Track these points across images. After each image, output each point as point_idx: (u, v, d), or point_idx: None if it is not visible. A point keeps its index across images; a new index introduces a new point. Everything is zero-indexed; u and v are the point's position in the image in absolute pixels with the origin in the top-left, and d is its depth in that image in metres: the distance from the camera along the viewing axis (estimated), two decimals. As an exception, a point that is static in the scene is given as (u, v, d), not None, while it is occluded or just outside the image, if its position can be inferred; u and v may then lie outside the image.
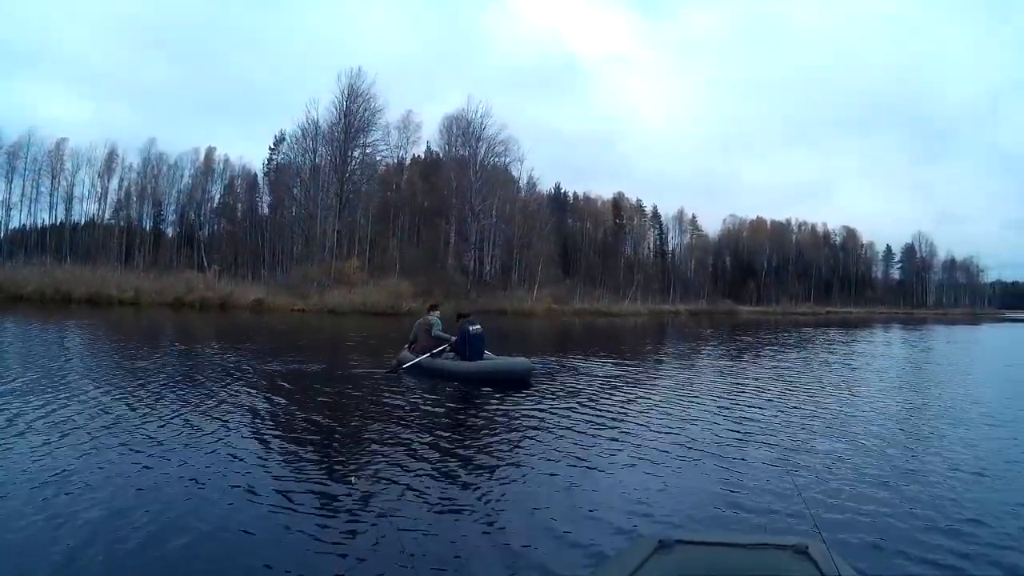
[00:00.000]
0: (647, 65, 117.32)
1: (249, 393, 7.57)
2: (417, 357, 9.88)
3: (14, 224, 47.39)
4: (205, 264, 40.46)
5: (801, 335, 25.76)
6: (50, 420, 5.72)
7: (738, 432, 6.24)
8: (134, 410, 6.31)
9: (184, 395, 7.24)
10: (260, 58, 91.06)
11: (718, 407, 7.66)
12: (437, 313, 10.70)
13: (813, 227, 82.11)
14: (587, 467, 4.86)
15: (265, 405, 6.97)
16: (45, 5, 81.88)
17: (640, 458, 5.13)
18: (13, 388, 7.25)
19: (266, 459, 4.84)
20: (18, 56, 76.42)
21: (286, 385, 8.29)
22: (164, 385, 7.88)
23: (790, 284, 74.17)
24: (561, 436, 5.87)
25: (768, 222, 76.49)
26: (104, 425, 5.63)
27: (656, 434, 6.06)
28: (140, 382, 7.99)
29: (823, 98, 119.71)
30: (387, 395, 7.89)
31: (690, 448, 5.51)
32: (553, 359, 12.73)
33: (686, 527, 3.58)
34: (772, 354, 16.51)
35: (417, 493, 4.11)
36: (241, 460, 4.72)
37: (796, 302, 69.37)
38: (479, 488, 4.29)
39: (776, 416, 7.21)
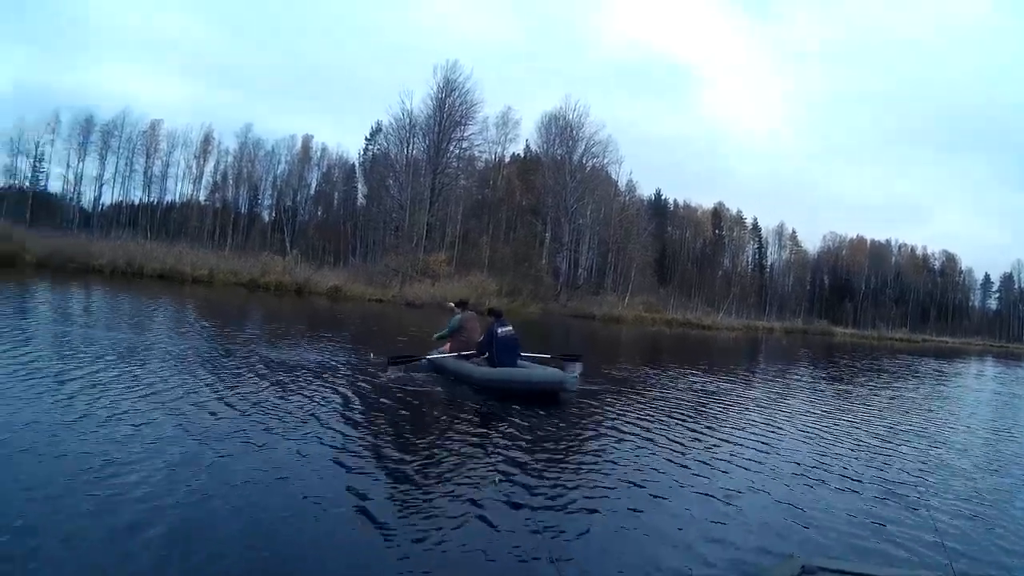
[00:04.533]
0: (750, 69, 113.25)
1: (231, 379, 7.01)
2: (437, 355, 8.88)
3: (106, 200, 48.58)
4: (288, 248, 40.24)
5: (902, 363, 24.13)
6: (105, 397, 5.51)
7: (857, 458, 6.17)
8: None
9: (159, 376, 6.75)
10: (360, 47, 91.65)
11: (830, 431, 7.48)
12: (457, 310, 9.50)
13: (912, 249, 77.19)
14: (707, 490, 4.64)
15: (240, 392, 6.37)
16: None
17: (758, 482, 4.96)
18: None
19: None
20: (115, 38, 78.94)
21: (265, 371, 7.69)
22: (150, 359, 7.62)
23: (887, 308, 69.55)
24: (672, 453, 5.66)
25: (868, 242, 72.12)
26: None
27: (768, 456, 5.89)
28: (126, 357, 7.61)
29: (926, 114, 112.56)
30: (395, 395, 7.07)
31: (808, 472, 5.41)
32: (646, 369, 12.41)
33: (823, 553, 3.52)
34: (877, 381, 15.68)
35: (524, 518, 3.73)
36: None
37: (892, 327, 64.85)
38: (600, 508, 4.05)
39: (895, 444, 7.12)
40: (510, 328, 8.48)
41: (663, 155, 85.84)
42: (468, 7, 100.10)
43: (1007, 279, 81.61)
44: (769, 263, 65.62)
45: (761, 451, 6.04)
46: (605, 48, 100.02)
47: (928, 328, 68.73)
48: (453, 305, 9.78)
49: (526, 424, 6.21)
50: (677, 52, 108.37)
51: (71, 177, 45.98)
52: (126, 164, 48.00)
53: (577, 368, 9.43)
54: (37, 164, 45.05)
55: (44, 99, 66.41)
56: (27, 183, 44.73)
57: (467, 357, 8.59)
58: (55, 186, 46.58)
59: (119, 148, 47.46)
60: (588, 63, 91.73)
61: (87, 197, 47.56)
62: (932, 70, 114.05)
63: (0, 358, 6.59)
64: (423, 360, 8.70)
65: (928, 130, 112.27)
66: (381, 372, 8.15)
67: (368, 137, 50.46)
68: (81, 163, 46.18)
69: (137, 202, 49.41)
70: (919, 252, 77.82)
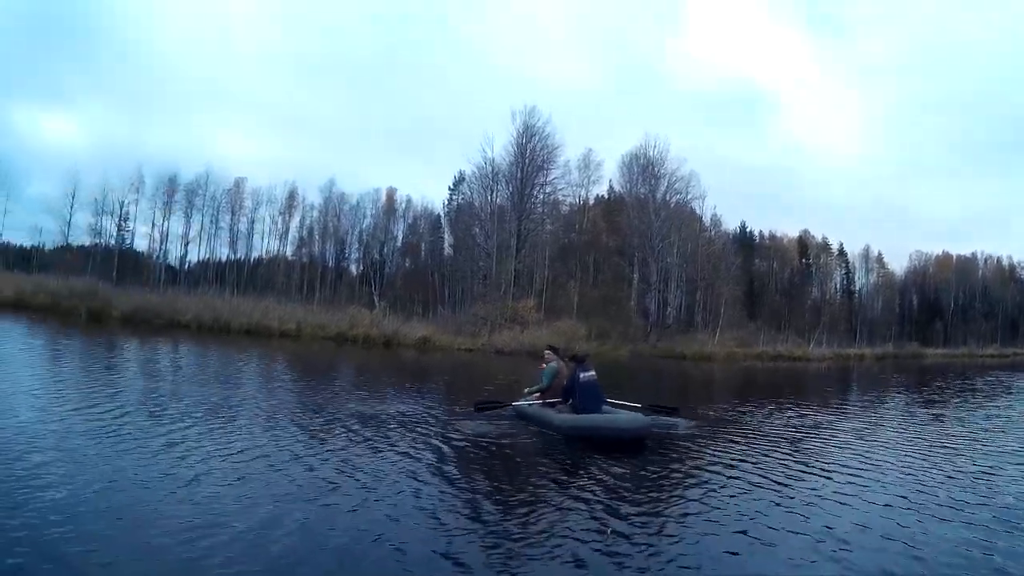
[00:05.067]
0: (824, 89, 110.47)
1: (321, 435, 7.04)
2: (523, 401, 8.81)
3: (192, 257, 50.12)
4: (376, 301, 40.71)
5: (994, 380, 23.82)
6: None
7: (962, 485, 6.00)
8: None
9: (257, 427, 7.01)
10: (439, 95, 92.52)
11: (931, 459, 7.33)
12: (550, 355, 9.27)
13: (998, 261, 73.57)
14: (814, 530, 4.53)
15: (330, 448, 6.40)
16: (223, 45, 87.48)
17: (864, 518, 4.82)
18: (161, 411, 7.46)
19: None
20: (195, 94, 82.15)
21: (355, 426, 7.68)
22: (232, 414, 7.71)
23: (977, 324, 66.54)
24: (775, 494, 5.56)
25: (953, 257, 69.24)
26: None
27: (871, 490, 5.75)
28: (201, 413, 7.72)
29: (1002, 119, 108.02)
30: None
31: (914, 504, 5.27)
32: (740, 406, 12.37)
33: None
34: (972, 402, 15.64)
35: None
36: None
37: (982, 343, 61.99)
38: (708, 556, 3.97)
39: (998, 467, 6.91)
40: (593, 373, 8.38)
41: (745, 185, 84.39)
42: (545, 52, 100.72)
43: (1097, 286, 77.44)
44: (857, 288, 63.61)
45: (864, 485, 5.97)
46: (683, 81, 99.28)
47: (1018, 342, 65.55)
48: (547, 352, 9.52)
49: (622, 471, 6.13)
50: (754, 79, 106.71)
51: (156, 235, 47.58)
52: (211, 222, 49.50)
53: (679, 423, 9.18)
54: (122, 223, 46.64)
55: (126, 158, 69.32)
56: (112, 241, 46.33)
57: (552, 404, 8.51)
58: (141, 244, 48.24)
59: (203, 207, 48.97)
60: (667, 97, 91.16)
61: (173, 255, 49.19)
62: (1006, 70, 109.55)
63: (88, 414, 6.68)
64: (509, 407, 8.71)
65: (1006, 133, 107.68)
66: (468, 419, 8.15)
67: (452, 187, 51.27)
68: (166, 221, 47.73)
69: (223, 259, 50.83)
70: (1005, 263, 74.32)
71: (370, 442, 6.65)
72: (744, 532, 4.50)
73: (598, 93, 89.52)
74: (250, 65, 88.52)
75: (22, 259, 43.63)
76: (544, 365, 9.16)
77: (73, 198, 43.89)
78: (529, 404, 8.70)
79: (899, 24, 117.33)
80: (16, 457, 4.89)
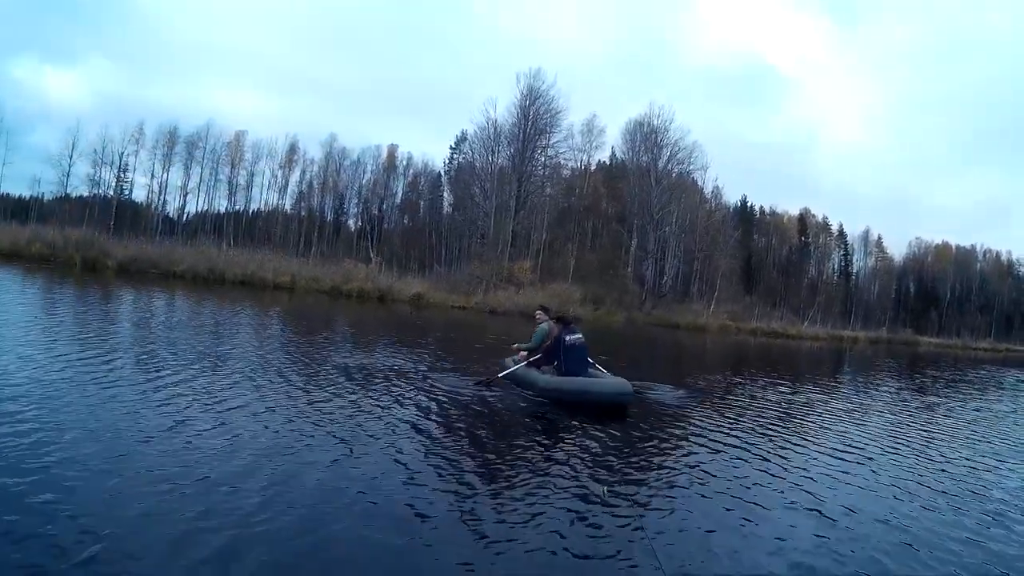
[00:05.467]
0: (838, 74, 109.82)
1: (309, 387, 6.93)
2: (514, 366, 8.45)
3: (191, 209, 49.98)
4: (372, 256, 40.68)
5: (985, 374, 23.53)
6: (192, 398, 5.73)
7: (952, 474, 6.07)
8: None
9: (241, 380, 6.86)
10: (444, 58, 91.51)
11: (923, 445, 7.38)
12: (541, 315, 8.95)
13: (997, 255, 73.47)
14: (805, 503, 4.59)
15: (317, 401, 6.26)
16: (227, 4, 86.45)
17: (855, 496, 4.89)
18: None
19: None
20: (199, 52, 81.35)
21: (342, 380, 7.49)
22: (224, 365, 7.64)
23: (972, 316, 66.64)
24: (767, 464, 5.62)
25: (953, 247, 69.03)
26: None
27: (862, 470, 5.80)
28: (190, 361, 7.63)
29: (1010, 114, 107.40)
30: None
31: (905, 488, 5.32)
32: (732, 379, 12.39)
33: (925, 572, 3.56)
34: (964, 393, 15.40)
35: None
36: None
37: (976, 336, 62.17)
38: (700, 517, 4.09)
39: (989, 459, 6.99)
40: (580, 336, 8.21)
41: (749, 160, 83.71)
42: (555, 18, 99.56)
43: (1093, 283, 77.41)
44: (855, 270, 63.55)
45: (855, 464, 6.01)
46: (693, 54, 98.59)
47: (1012, 337, 65.71)
48: (539, 312, 9.25)
49: (606, 436, 6.05)
50: (765, 57, 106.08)
51: (155, 186, 47.38)
52: (211, 174, 49.16)
53: (666, 391, 9.15)
54: (121, 174, 46.40)
55: (128, 112, 68.85)
56: (111, 192, 46.11)
57: (538, 365, 8.32)
58: (139, 195, 48.12)
59: (203, 159, 48.69)
60: (676, 70, 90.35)
61: (172, 206, 49.01)
62: (1016, 66, 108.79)
63: (73, 362, 6.62)
64: (496, 378, 8.43)
65: (1012, 128, 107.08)
66: (482, 388, 7.98)
67: (453, 146, 51.01)
68: (166, 173, 47.53)
69: (222, 211, 50.57)
70: (1004, 258, 74.23)
71: (354, 398, 6.57)
72: (735, 496, 4.56)
73: (606, 61, 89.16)
74: (254, 24, 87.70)
75: (21, 209, 43.44)
76: (536, 326, 8.94)
77: (73, 149, 43.47)
78: (515, 367, 8.49)
79: (915, 16, 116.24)
80: (4, 408, 4.76)
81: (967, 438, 8.35)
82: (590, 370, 8.27)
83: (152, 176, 47.15)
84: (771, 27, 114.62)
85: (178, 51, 78.74)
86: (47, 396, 5.15)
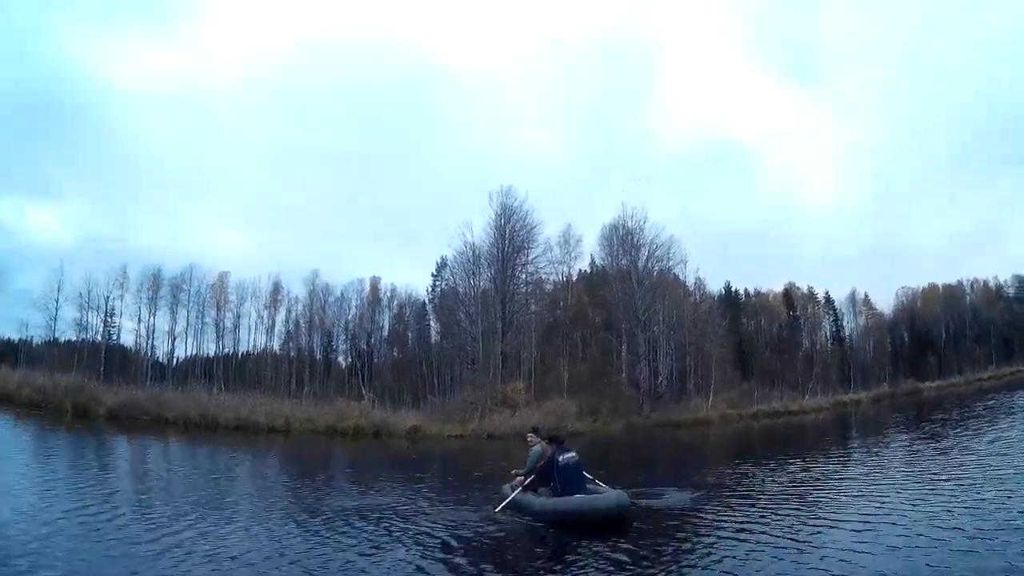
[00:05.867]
0: (804, 135, 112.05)
1: (311, 535, 6.94)
2: (511, 493, 8.53)
3: (180, 353, 49.77)
4: (363, 392, 40.53)
5: (993, 402, 24.38)
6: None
7: (976, 515, 5.88)
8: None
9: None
10: (416, 182, 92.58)
11: (941, 493, 7.20)
12: (533, 437, 9.08)
13: (985, 283, 74.02)
14: None
15: (322, 550, 6.25)
16: (205, 137, 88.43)
17: (884, 561, 4.69)
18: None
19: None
20: (177, 186, 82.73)
21: (350, 526, 7.47)
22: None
23: (969, 349, 66.58)
24: (787, 548, 5.45)
25: (940, 287, 69.58)
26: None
27: (884, 531, 5.67)
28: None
29: (976, 137, 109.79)
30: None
31: (932, 539, 5.15)
32: (740, 467, 12.31)
33: None
34: (974, 428, 15.57)
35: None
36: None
37: (977, 368, 61.93)
38: None
39: (1009, 491, 6.82)
40: (573, 454, 8.29)
41: (729, 246, 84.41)
42: (519, 131, 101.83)
43: (1089, 289, 77.73)
44: (847, 333, 63.69)
45: (884, 526, 6.01)
46: (659, 147, 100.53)
47: (1013, 359, 65.42)
48: (530, 435, 9.30)
49: (628, 548, 6.03)
50: (729, 137, 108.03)
51: (143, 331, 47.36)
52: (197, 317, 49.31)
53: (671, 494, 9.12)
54: (108, 319, 46.46)
55: (111, 253, 69.40)
56: (98, 337, 45.99)
57: (534, 488, 8.35)
58: (127, 340, 47.92)
59: (188, 302, 48.90)
60: (644, 165, 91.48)
61: (161, 350, 48.94)
62: (977, 90, 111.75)
63: (77, 517, 6.64)
64: (495, 513, 8.38)
65: (985, 152, 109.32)
66: (474, 513, 8.05)
67: (435, 273, 51.48)
68: (152, 317, 47.58)
69: (211, 354, 50.50)
70: (991, 284, 74.74)
71: (356, 543, 6.55)
72: None
73: (576, 165, 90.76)
74: (230, 157, 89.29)
75: (9, 351, 43.25)
76: (529, 449, 8.99)
77: (59, 292, 43.50)
78: (513, 492, 8.55)
79: (871, 61, 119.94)
80: (1, 562, 4.81)
81: (989, 472, 8.48)
82: (587, 487, 8.28)
83: (139, 320, 47.24)
84: (732, 106, 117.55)
85: (158, 186, 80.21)
86: (54, 555, 5.12)
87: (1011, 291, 75.54)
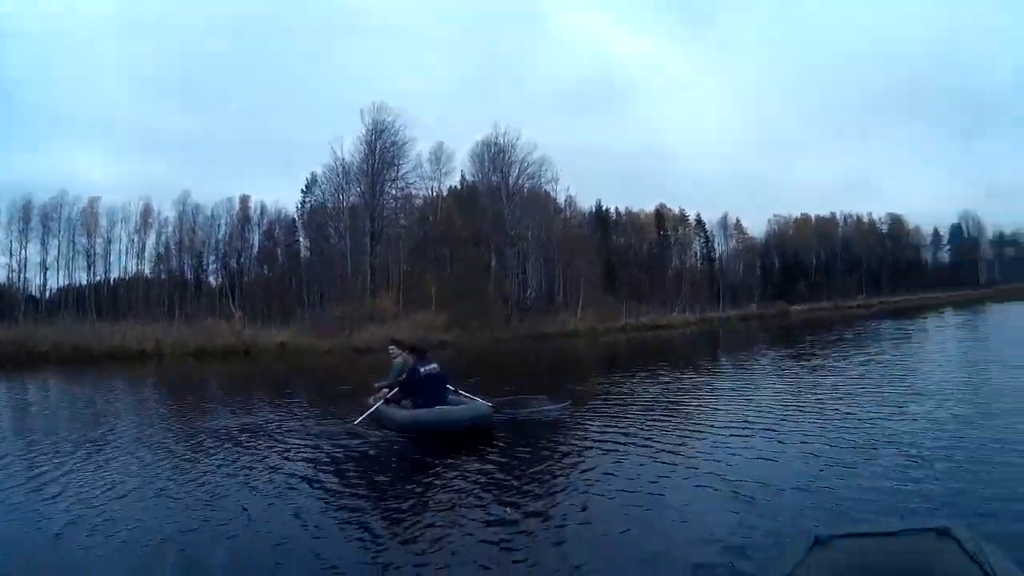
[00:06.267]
0: (685, 73, 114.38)
1: (185, 461, 6.93)
2: (373, 406, 8.37)
3: (52, 284, 47.85)
4: (233, 311, 40.15)
5: (861, 329, 25.19)
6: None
7: (844, 426, 6.25)
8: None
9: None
10: (287, 102, 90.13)
11: (810, 406, 7.54)
12: (394, 349, 9.09)
13: (859, 218, 78.72)
14: (706, 482, 4.73)
15: (202, 471, 6.34)
16: (66, 66, 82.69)
17: (753, 467, 5.02)
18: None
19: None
20: (43, 118, 77.62)
21: (207, 445, 7.55)
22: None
23: (840, 279, 70.98)
24: (661, 453, 5.71)
25: (813, 218, 73.57)
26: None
27: (754, 440, 5.95)
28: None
29: (861, 86, 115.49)
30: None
31: (801, 448, 5.50)
32: (609, 378, 12.21)
33: (836, 522, 3.64)
34: (841, 350, 15.84)
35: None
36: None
37: (848, 296, 66.18)
38: (604, 514, 4.21)
39: (877, 406, 7.16)
40: (435, 365, 8.17)
41: (604, 168, 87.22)
42: (397, 56, 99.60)
43: (955, 229, 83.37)
44: (717, 255, 66.69)
45: (758, 438, 6.10)
46: (539, 76, 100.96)
47: (883, 291, 70.05)
48: (391, 347, 9.24)
49: (496, 458, 6.09)
50: (614, 68, 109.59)
51: (15, 265, 45.28)
52: (68, 246, 47.27)
53: (550, 404, 8.71)
54: None
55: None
56: None
57: (396, 400, 8.27)
58: (0, 275, 45.57)
59: (59, 231, 46.83)
60: (524, 94, 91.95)
61: (34, 284, 46.79)
62: (870, 43, 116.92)
63: None
64: (354, 425, 8.17)
65: (867, 101, 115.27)
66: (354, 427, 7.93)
67: (304, 189, 50.34)
68: (23, 250, 45.47)
69: (83, 283, 48.50)
70: (865, 219, 79.45)
71: (236, 462, 6.53)
72: (636, 490, 4.64)
73: (452, 94, 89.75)
74: (95, 79, 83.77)
75: None
76: (392, 361, 8.89)
77: None
78: (375, 404, 8.37)
79: (757, 6, 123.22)
80: None
81: (861, 391, 8.63)
82: (451, 397, 8.15)
83: (11, 254, 45.08)
84: (618, 36, 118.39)
85: (22, 118, 74.78)
86: None
87: (884, 228, 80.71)
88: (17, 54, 76.80)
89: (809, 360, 14.10)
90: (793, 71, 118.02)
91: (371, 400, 8.59)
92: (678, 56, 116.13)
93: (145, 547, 4.16)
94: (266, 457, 6.74)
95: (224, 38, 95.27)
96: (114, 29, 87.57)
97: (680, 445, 6.00)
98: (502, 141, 44.94)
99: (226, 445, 7.49)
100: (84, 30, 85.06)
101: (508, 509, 4.41)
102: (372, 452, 6.91)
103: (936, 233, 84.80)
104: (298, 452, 6.97)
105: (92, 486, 5.70)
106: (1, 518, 4.91)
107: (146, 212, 48.14)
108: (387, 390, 8.52)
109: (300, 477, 5.86)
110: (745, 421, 6.96)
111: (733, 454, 5.55)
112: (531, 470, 5.54)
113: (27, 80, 72.07)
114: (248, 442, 7.60)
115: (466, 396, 8.41)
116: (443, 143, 47.14)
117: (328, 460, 6.58)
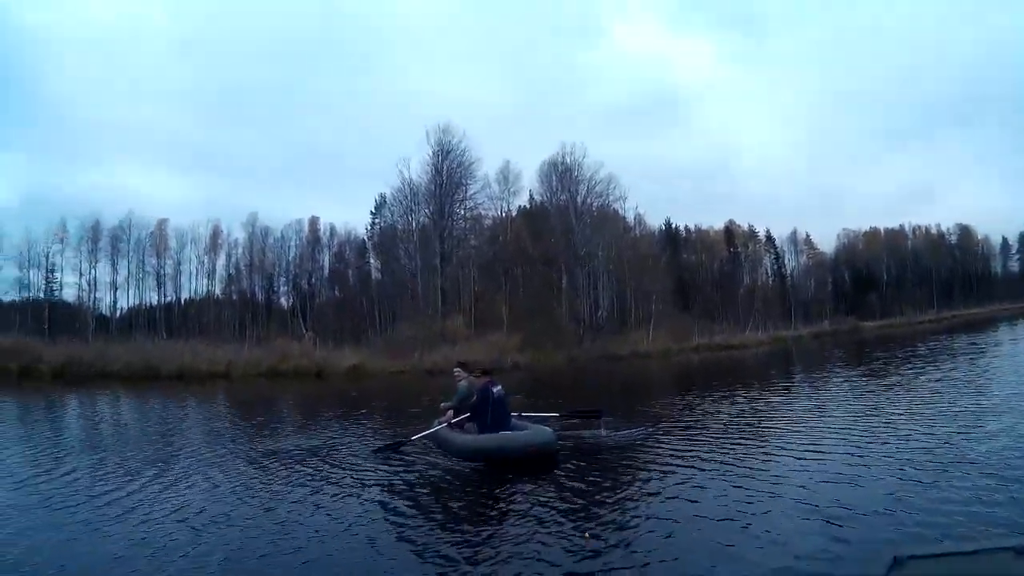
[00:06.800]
0: (744, 88, 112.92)
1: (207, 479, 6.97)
2: (436, 427, 8.27)
3: (123, 304, 48.96)
4: (304, 332, 40.35)
5: (935, 344, 24.58)
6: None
7: (922, 445, 6.13)
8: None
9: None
10: (353, 123, 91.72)
11: (888, 426, 7.41)
12: (460, 372, 8.87)
13: (927, 230, 76.03)
14: (781, 502, 4.64)
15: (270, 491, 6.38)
16: (135, 89, 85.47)
17: (831, 487, 4.93)
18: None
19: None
20: (110, 140, 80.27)
21: (280, 466, 7.52)
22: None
23: (911, 292, 68.43)
24: (734, 473, 5.65)
25: (882, 231, 71.18)
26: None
27: (831, 459, 5.86)
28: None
29: (923, 95, 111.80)
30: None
31: (881, 468, 5.36)
32: (682, 399, 12.19)
33: (915, 543, 3.60)
34: (916, 366, 15.68)
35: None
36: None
37: (919, 310, 63.72)
38: (683, 531, 4.22)
39: (955, 423, 7.04)
40: (501, 388, 8.04)
41: (670, 187, 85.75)
42: (458, 73, 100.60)
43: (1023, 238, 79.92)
44: (788, 271, 64.89)
45: (824, 457, 6.08)
46: (597, 92, 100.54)
47: (954, 303, 67.58)
48: (456, 370, 9.11)
49: (577, 483, 5.94)
50: (675, 82, 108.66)
51: (85, 284, 46.28)
52: (138, 266, 48.39)
53: (601, 425, 8.73)
54: (49, 275, 45.37)
55: (49, 208, 67.18)
56: (41, 294, 45.08)
57: (461, 425, 8.14)
58: (70, 294, 46.71)
59: (128, 252, 47.88)
60: (582, 108, 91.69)
61: (105, 303, 47.91)
62: (927, 52, 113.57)
63: (34, 484, 6.56)
64: (407, 443, 8.24)
65: (929, 112, 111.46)
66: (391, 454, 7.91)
67: (373, 211, 51.00)
68: (93, 270, 46.51)
69: (153, 303, 49.72)
70: (934, 231, 76.73)
71: (307, 485, 6.45)
72: (723, 526, 4.46)
73: (513, 107, 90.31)
74: (163, 107, 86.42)
75: None
76: (457, 384, 8.77)
77: None
78: (434, 429, 8.32)
79: (814, 20, 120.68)
80: None
81: (938, 408, 8.51)
82: (514, 423, 8.03)
83: (80, 274, 46.05)
84: (678, 50, 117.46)
85: (90, 139, 77.48)
86: (14, 527, 5.04)
87: (954, 239, 77.77)
88: (76, 73, 79.96)
89: (884, 378, 13.93)
90: (855, 81, 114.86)
91: (436, 422, 8.51)
92: (737, 71, 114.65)
93: (209, 572, 4.10)
94: (337, 480, 6.68)
95: (281, 61, 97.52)
96: (175, 51, 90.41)
97: (758, 468, 5.93)
98: (569, 160, 44.38)
99: (296, 467, 7.46)
100: (142, 51, 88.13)
101: (588, 536, 4.35)
102: (446, 476, 6.84)
103: (1005, 242, 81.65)
104: (369, 475, 6.90)
105: (158, 506, 5.73)
106: (66, 535, 4.85)
107: (215, 234, 49.16)
108: (452, 412, 8.34)
109: (373, 502, 5.78)
110: (822, 441, 6.94)
111: (811, 475, 5.51)
112: (606, 497, 5.42)
113: (86, 98, 74.92)
114: (319, 464, 7.55)
115: (528, 422, 8.32)
116: (510, 162, 46.82)
117: (401, 485, 6.49)
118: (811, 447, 6.56)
